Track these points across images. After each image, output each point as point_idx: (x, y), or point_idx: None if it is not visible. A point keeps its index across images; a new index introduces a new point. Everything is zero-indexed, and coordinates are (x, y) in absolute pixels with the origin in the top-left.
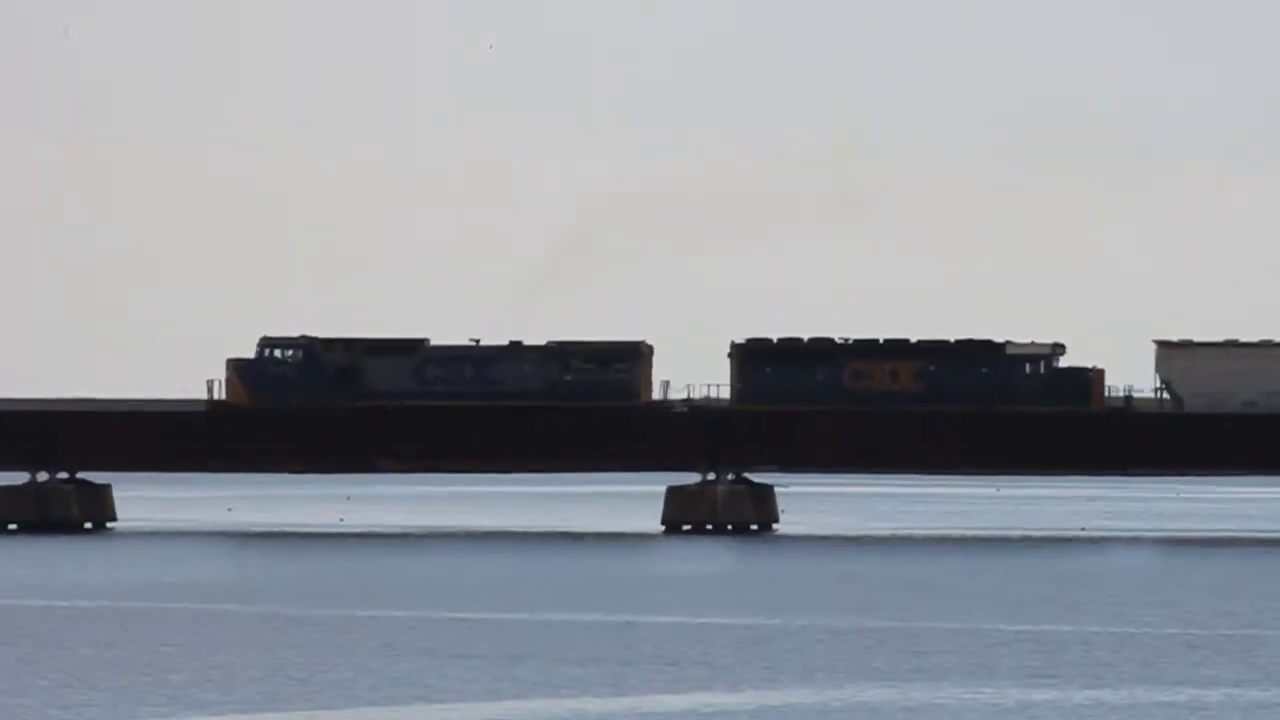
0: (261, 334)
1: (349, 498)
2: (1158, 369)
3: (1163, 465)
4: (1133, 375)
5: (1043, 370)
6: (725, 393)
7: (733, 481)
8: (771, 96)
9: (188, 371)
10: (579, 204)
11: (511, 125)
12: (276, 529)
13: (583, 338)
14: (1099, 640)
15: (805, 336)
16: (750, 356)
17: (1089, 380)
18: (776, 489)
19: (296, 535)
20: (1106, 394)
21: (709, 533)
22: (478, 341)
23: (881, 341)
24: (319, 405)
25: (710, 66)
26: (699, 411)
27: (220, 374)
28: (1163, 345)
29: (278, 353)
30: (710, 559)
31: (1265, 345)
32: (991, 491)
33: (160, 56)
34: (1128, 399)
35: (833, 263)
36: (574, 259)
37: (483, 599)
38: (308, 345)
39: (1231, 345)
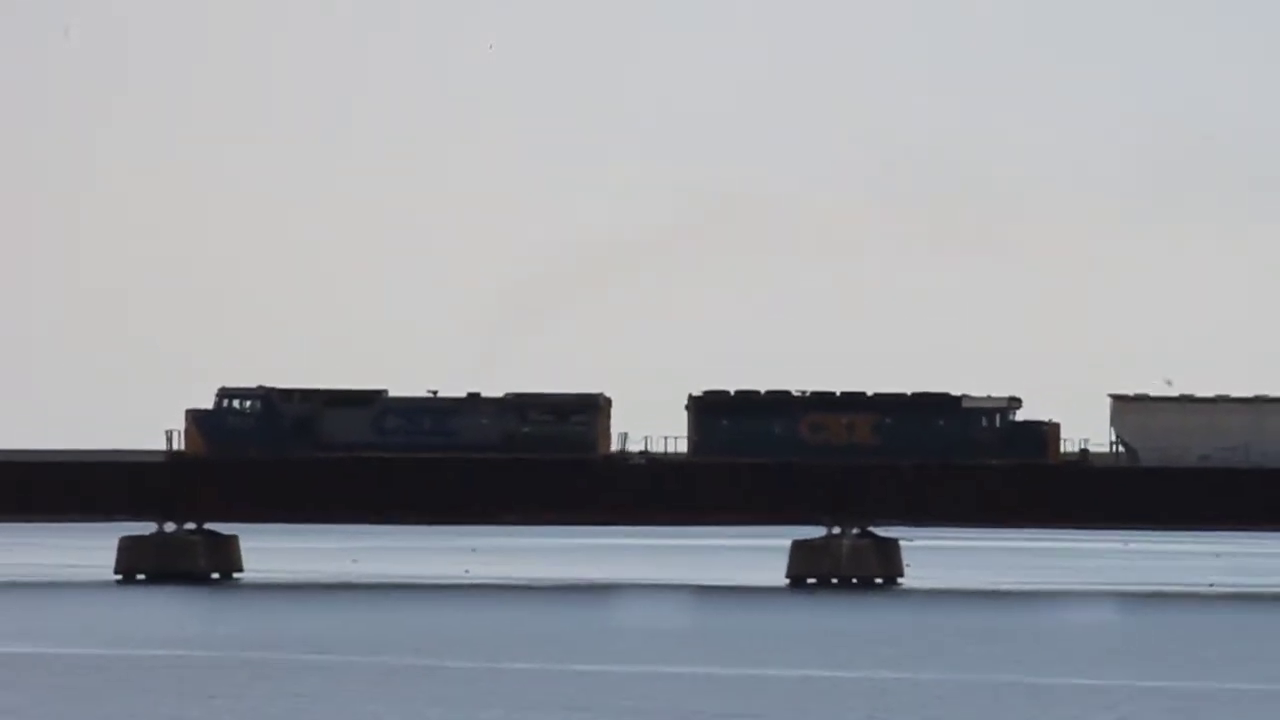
0: (220, 385)
1: (474, 549)
2: (1113, 423)
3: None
4: (1088, 429)
5: (999, 424)
6: (683, 445)
7: (858, 535)
8: (722, 142)
9: (147, 422)
10: (535, 254)
11: (467, 178)
12: (401, 580)
13: (542, 390)
14: (1242, 696)
15: (762, 389)
16: (707, 409)
17: (1045, 434)
18: (902, 543)
19: (422, 587)
20: (1062, 448)
21: (833, 587)
22: (436, 393)
23: (838, 394)
24: (277, 456)
25: (663, 117)
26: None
27: (179, 424)
28: (1118, 399)
29: (236, 403)
30: (834, 613)
31: (1219, 400)
32: (1118, 546)
33: (107, 99)
34: (1084, 453)
35: (792, 314)
36: (532, 311)
37: (618, 652)
38: (266, 396)
39: (1186, 400)
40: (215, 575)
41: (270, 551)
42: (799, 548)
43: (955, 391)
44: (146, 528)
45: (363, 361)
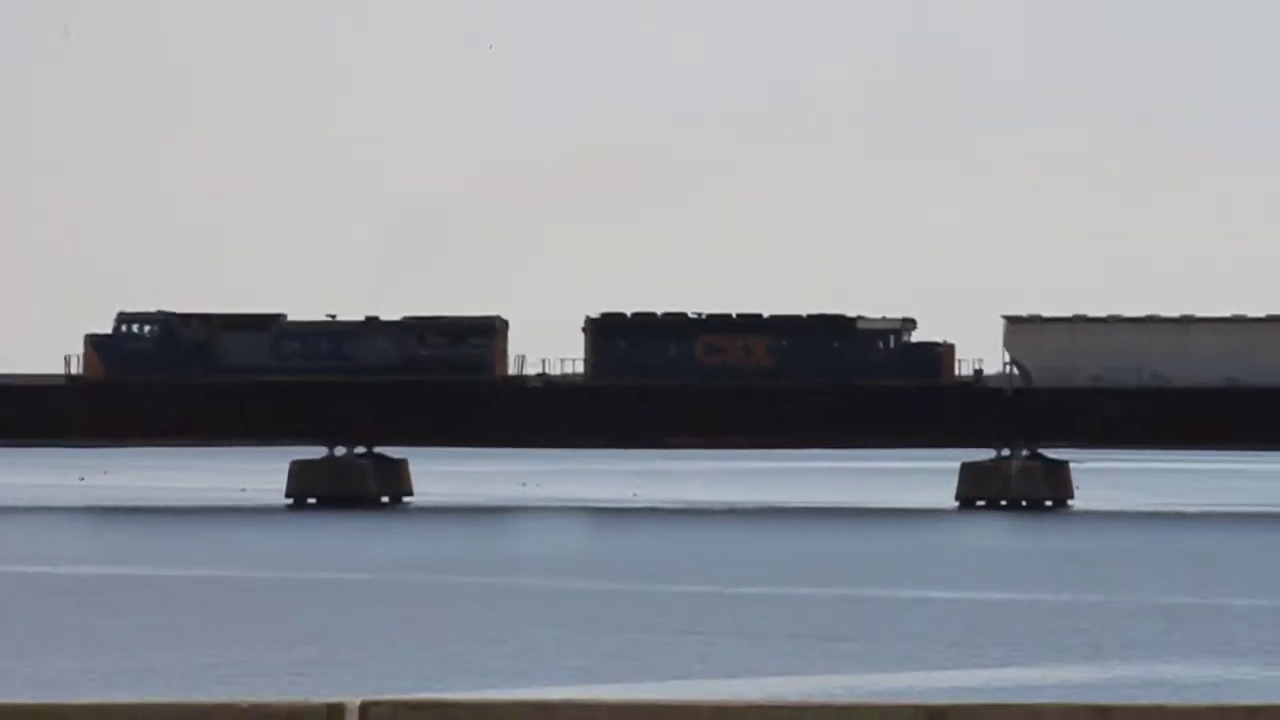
0: (119, 309)
1: (639, 473)
2: (1005, 344)
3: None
4: (982, 350)
5: (893, 345)
6: (580, 367)
7: (1027, 457)
8: (629, 68)
9: (45, 346)
10: (435, 180)
11: (366, 104)
12: (569, 504)
13: (439, 313)
14: None
15: (659, 311)
16: (604, 331)
17: (939, 355)
18: (1072, 465)
19: (589, 510)
20: (956, 369)
21: (1003, 509)
22: (334, 317)
23: (734, 316)
24: (175, 380)
25: (561, 45)
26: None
27: (78, 349)
28: (1011, 320)
29: (134, 328)
30: (1002, 534)
31: (1111, 320)
32: None
33: (37, 32)
34: (978, 374)
35: (689, 237)
36: (430, 235)
37: (788, 574)
38: (165, 320)
39: (1078, 320)
40: (385, 499)
41: (440, 475)
42: (968, 470)
43: (850, 313)
44: (317, 452)
45: (263, 287)
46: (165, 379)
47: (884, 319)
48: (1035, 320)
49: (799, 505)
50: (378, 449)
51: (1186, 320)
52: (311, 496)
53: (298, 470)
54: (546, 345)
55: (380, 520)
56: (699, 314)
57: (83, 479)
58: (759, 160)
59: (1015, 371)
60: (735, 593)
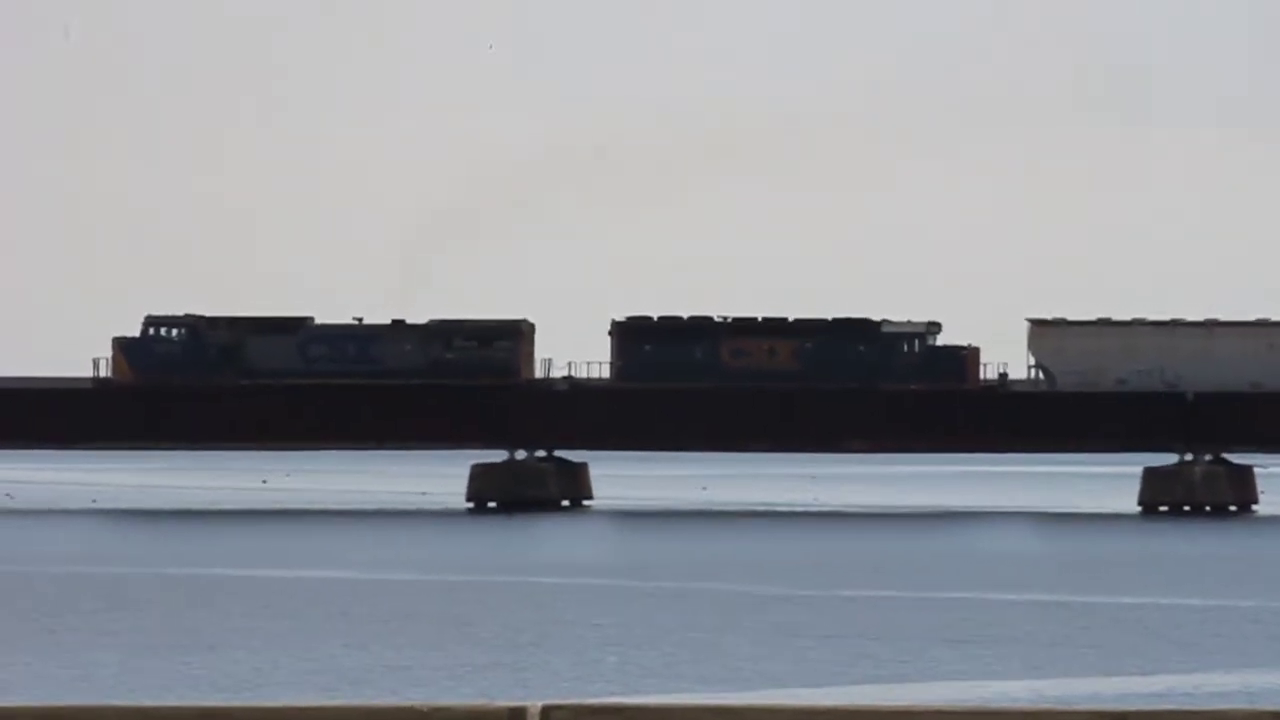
0: (147, 313)
1: (814, 477)
2: (1030, 347)
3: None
4: (1008, 353)
5: (918, 348)
6: (606, 370)
7: (1210, 462)
8: (652, 65)
9: (75, 350)
10: (461, 184)
11: (390, 105)
12: (750, 507)
13: (465, 316)
14: None
15: (685, 315)
16: (630, 334)
17: (964, 358)
18: (1256, 470)
19: (766, 514)
20: (981, 372)
21: (1186, 514)
22: (361, 320)
23: (760, 320)
24: (203, 383)
25: (584, 42)
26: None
27: (106, 352)
28: (1035, 324)
29: (162, 331)
30: (1186, 539)
31: (1136, 324)
32: None
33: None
34: (1003, 377)
35: (715, 240)
36: (457, 237)
37: (965, 578)
38: (192, 324)
39: (1103, 324)
40: (565, 502)
41: (620, 479)
42: (1151, 474)
43: (875, 317)
44: (497, 455)
45: (291, 290)
46: (194, 382)
47: (909, 322)
48: (1060, 324)
49: (977, 509)
50: (557, 453)
51: (1211, 324)
52: (492, 500)
53: (478, 474)
54: (573, 348)
55: (561, 524)
56: (724, 317)
57: (265, 482)
58: (785, 163)
59: (1040, 375)
60: (924, 597)
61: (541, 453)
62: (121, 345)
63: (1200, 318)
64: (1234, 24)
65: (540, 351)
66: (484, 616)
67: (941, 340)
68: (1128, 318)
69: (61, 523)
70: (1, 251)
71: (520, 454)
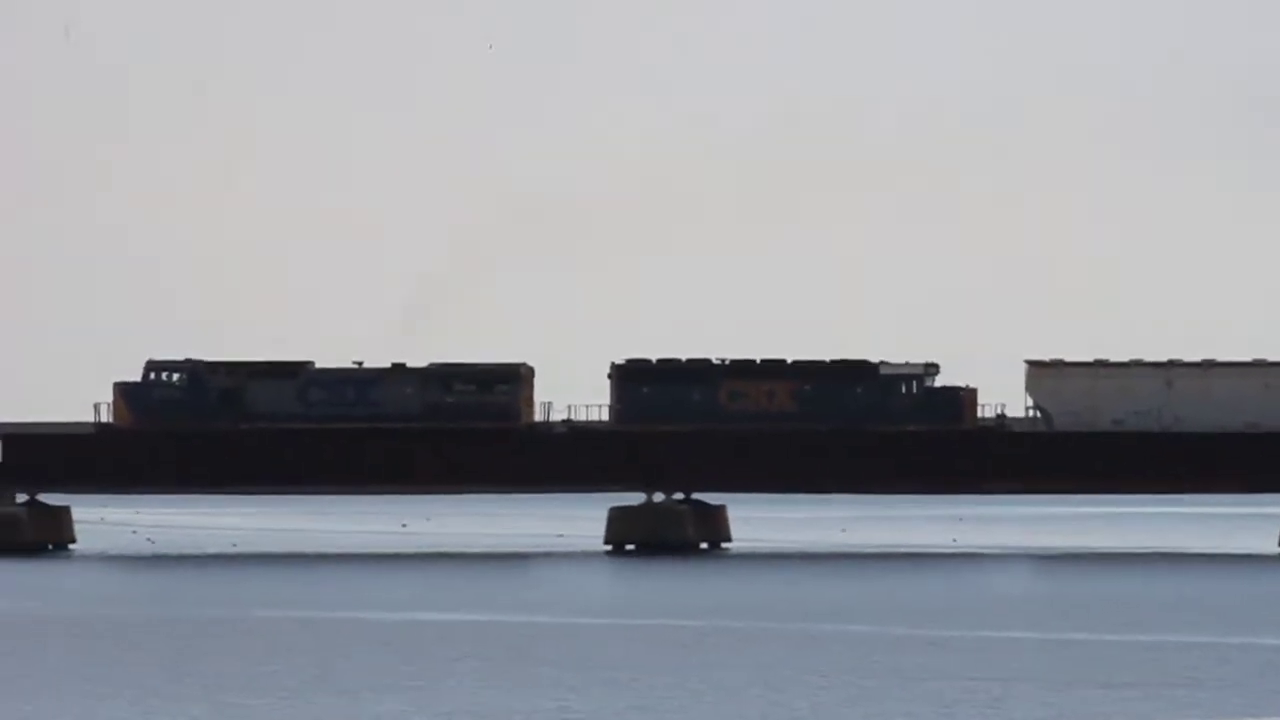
0: (148, 358)
1: (960, 519)
2: (1028, 388)
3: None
4: (1005, 394)
5: (916, 390)
6: (605, 414)
7: None
8: (647, 105)
9: (75, 394)
10: (460, 229)
11: (387, 149)
12: (888, 549)
13: (465, 360)
14: None
15: (684, 357)
16: (629, 377)
17: (961, 399)
18: None
19: (908, 555)
20: (979, 413)
21: None
22: (360, 364)
23: (758, 362)
24: (203, 428)
25: (586, 83)
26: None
27: (107, 397)
28: (1033, 365)
29: (163, 376)
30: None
31: (1133, 365)
32: None
33: (47, 65)
34: (1000, 418)
35: (713, 283)
36: (455, 281)
37: (1125, 620)
38: (192, 368)
39: (1100, 365)
40: (703, 545)
41: (759, 521)
42: None
43: (873, 358)
44: (635, 498)
45: (290, 334)
46: (195, 426)
47: (907, 364)
48: (1057, 364)
49: (1120, 550)
50: (695, 495)
51: (1208, 364)
52: (630, 542)
53: (616, 516)
54: (572, 391)
55: (700, 566)
56: (723, 360)
57: (405, 526)
58: (781, 205)
59: (1038, 415)
60: (1067, 638)
61: (679, 495)
62: (122, 390)
63: (1198, 358)
64: (1231, 65)
65: (540, 395)
66: (624, 659)
67: (939, 381)
68: (1125, 359)
69: (207, 567)
70: (2, 295)
71: (658, 497)
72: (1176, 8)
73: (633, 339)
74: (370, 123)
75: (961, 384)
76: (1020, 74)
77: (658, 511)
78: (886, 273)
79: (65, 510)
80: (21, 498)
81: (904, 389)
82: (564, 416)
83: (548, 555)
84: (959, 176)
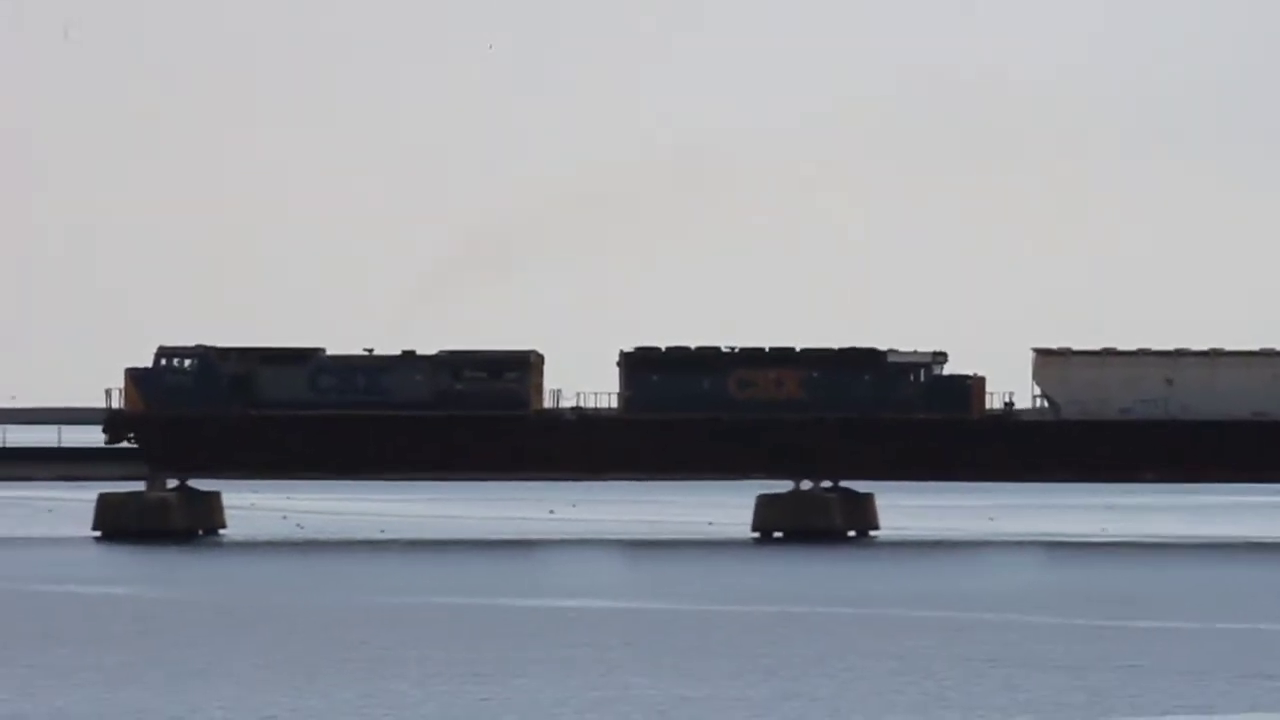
0: (159, 344)
1: (1110, 507)
2: (1035, 377)
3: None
4: (1013, 383)
5: (923, 378)
6: (614, 401)
7: None
8: (657, 96)
9: (87, 380)
10: (468, 215)
11: (400, 137)
12: (1036, 537)
13: (474, 347)
14: None
15: (692, 345)
16: (638, 365)
17: (969, 388)
18: None
19: (1059, 544)
20: (987, 402)
21: None
22: (371, 351)
23: (767, 350)
24: (213, 414)
25: (586, 79)
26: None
27: (118, 383)
28: (1040, 353)
29: (174, 362)
30: None
31: (1140, 354)
32: None
33: (62, 51)
34: (1009, 406)
35: (722, 271)
36: (465, 268)
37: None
38: (204, 355)
39: (1107, 353)
40: (850, 532)
41: (906, 509)
42: None
43: (881, 346)
44: (782, 486)
45: (302, 320)
46: (203, 413)
47: (915, 352)
48: (1065, 353)
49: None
50: (843, 483)
51: (1215, 354)
52: (777, 530)
53: (764, 504)
54: (581, 379)
55: (848, 553)
56: (732, 348)
57: (552, 512)
58: (791, 193)
59: (1045, 404)
60: (1179, 627)
61: (827, 483)
62: (133, 376)
63: (1204, 347)
64: (1237, 56)
65: (549, 382)
66: (772, 647)
67: (947, 370)
68: (1132, 347)
69: (357, 553)
70: (14, 281)
71: (805, 484)
72: (1181, 5)
73: (642, 327)
74: (382, 112)
75: (969, 372)
76: (1020, 70)
77: (805, 499)
78: (894, 262)
79: (215, 495)
80: (172, 483)
81: (911, 377)
82: (573, 404)
83: (697, 543)
84: (967, 166)
